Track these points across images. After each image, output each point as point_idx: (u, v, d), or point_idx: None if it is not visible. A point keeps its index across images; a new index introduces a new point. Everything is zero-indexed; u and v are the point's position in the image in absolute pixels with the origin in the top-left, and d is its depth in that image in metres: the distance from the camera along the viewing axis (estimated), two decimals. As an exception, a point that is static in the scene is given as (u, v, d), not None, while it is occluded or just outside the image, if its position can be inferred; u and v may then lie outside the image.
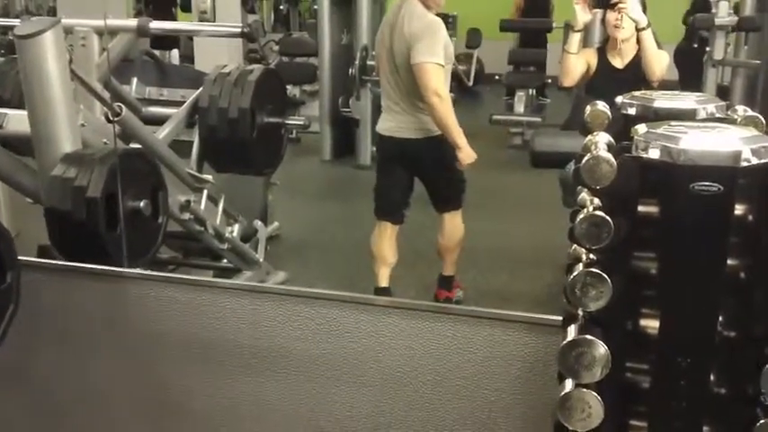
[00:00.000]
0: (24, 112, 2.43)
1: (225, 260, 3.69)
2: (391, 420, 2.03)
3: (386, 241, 3.88)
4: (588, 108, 1.62)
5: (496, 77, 7.69)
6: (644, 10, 3.64)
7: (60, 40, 2.32)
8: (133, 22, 3.17)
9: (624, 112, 1.63)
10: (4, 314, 1.81)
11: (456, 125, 3.57)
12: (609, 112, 1.61)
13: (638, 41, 3.62)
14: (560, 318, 1.60)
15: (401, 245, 3.96)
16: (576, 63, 3.74)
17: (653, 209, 1.33)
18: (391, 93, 3.74)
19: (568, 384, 1.38)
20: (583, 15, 3.61)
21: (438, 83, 3.49)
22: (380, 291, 3.87)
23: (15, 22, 2.42)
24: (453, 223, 3.85)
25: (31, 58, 2.28)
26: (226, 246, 3.46)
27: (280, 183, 4.68)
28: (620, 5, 3.57)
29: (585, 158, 1.33)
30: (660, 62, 3.62)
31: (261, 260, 3.86)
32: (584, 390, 1.34)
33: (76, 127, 2.40)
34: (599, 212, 1.31)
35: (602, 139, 1.43)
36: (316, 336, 2.04)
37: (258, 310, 2.07)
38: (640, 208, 1.34)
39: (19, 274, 1.82)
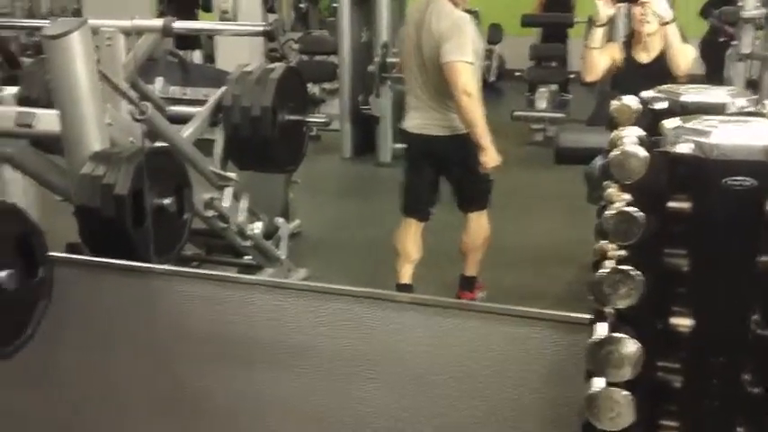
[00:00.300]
0: (53, 112, 2.45)
1: (247, 257, 3.70)
2: (413, 417, 2.03)
3: (410, 238, 3.88)
4: (615, 102, 1.61)
5: (517, 73, 7.66)
6: (671, 4, 3.61)
7: (88, 40, 2.34)
8: (158, 22, 3.18)
9: (652, 106, 1.62)
10: (36, 308, 1.83)
11: (483, 125, 3.56)
12: (636, 107, 1.60)
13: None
14: (586, 316, 1.60)
15: (423, 243, 3.97)
16: (598, 58, 3.70)
17: (684, 204, 1.32)
18: (418, 91, 3.74)
19: (597, 383, 1.37)
20: (605, 10, 3.58)
21: (467, 81, 3.49)
22: (402, 288, 3.87)
23: (43, 23, 2.44)
24: (478, 223, 3.85)
25: (60, 57, 2.30)
26: (248, 243, 3.48)
27: (300, 181, 4.69)
28: (643, 0, 3.54)
29: (615, 153, 1.31)
30: (685, 57, 3.58)
31: (283, 257, 3.87)
32: (614, 389, 1.33)
33: (104, 126, 2.42)
34: (629, 208, 1.30)
35: (631, 134, 1.42)
36: (339, 332, 2.04)
37: (281, 305, 2.08)
38: (671, 203, 1.33)
39: (51, 270, 1.84)
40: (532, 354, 1.85)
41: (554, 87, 7.50)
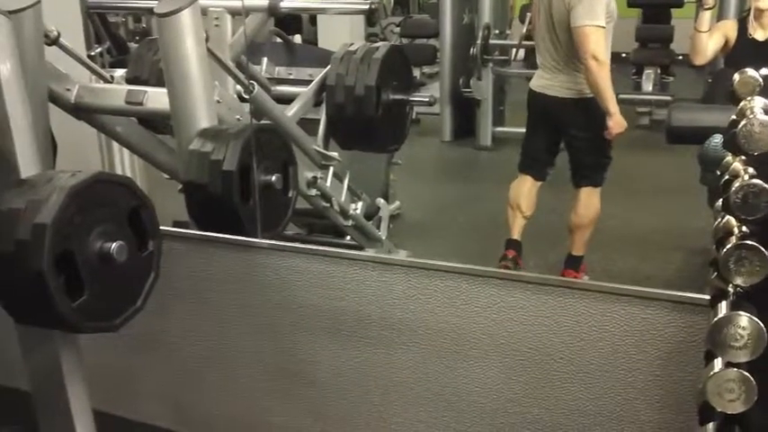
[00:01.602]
0: (163, 90, 2.50)
1: (348, 237, 3.72)
2: (520, 396, 2.00)
3: (524, 193, 3.89)
4: (737, 76, 1.54)
5: (623, 55, 7.40)
6: None
7: (198, 17, 2.38)
8: (265, 2, 3.21)
9: (777, 79, 1.54)
10: (146, 281, 1.87)
11: (610, 90, 3.49)
12: (760, 80, 1.53)
13: None
14: (705, 297, 1.53)
15: (528, 224, 3.93)
16: (707, 41, 3.58)
17: (817, 178, 1.25)
18: (545, 53, 3.71)
19: (718, 364, 1.31)
20: None
21: (597, 46, 3.42)
22: (512, 243, 3.88)
23: (152, 3, 2.49)
24: (589, 200, 3.78)
25: (170, 35, 2.34)
26: (350, 222, 3.49)
27: (402, 162, 4.68)
28: None
29: (742, 123, 1.25)
30: None
31: (383, 238, 3.88)
32: (735, 370, 1.27)
33: (213, 103, 2.46)
34: (757, 181, 1.24)
35: (758, 104, 1.35)
36: (444, 309, 2.02)
37: (387, 282, 2.08)
38: (802, 177, 1.26)
39: (160, 243, 1.88)
40: (647, 335, 1.79)
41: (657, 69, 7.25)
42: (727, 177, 1.39)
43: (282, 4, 3.20)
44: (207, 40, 2.45)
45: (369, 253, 3.24)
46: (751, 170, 1.33)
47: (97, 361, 2.22)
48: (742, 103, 1.39)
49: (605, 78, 3.46)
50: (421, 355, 2.09)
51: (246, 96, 2.74)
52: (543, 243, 4.18)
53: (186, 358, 2.45)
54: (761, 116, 1.24)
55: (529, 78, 4.00)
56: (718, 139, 2.75)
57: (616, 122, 3.51)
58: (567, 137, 3.81)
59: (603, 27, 3.44)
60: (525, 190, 3.89)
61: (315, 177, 3.13)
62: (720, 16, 5.42)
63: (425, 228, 4.87)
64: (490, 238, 3.95)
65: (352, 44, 3.16)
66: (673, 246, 4.27)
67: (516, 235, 3.90)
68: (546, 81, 3.73)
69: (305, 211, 3.40)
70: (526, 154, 3.94)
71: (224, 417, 2.47)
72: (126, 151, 3.68)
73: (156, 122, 3.08)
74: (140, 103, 2.66)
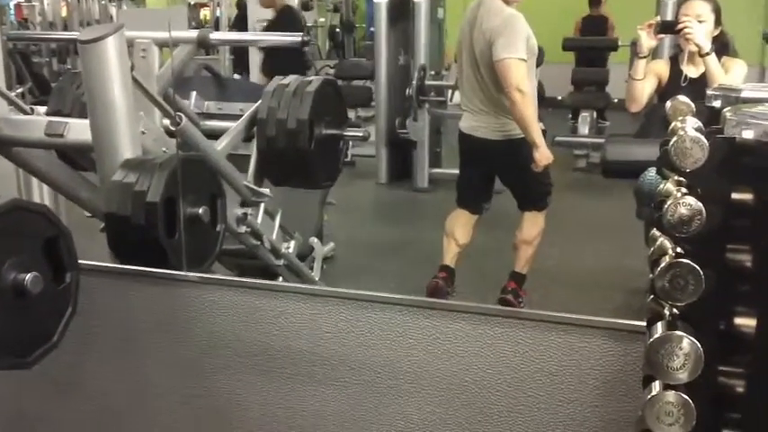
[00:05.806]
0: (85, 121, 2.42)
1: (280, 279, 3.63)
2: (458, 432, 1.93)
3: (460, 223, 3.91)
4: (668, 103, 1.55)
5: (559, 98, 7.54)
6: (717, 20, 3.51)
7: (123, 46, 2.32)
8: (193, 34, 3.15)
9: (710, 104, 1.54)
10: (63, 315, 1.77)
11: (536, 123, 3.54)
12: (691, 105, 1.53)
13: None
14: (643, 323, 1.50)
15: (465, 265, 3.94)
16: (642, 89, 3.64)
17: (748, 195, 1.23)
18: (471, 94, 3.73)
19: (656, 387, 1.28)
20: (648, 41, 3.50)
21: (520, 78, 3.45)
22: (444, 267, 3.88)
23: (74, 34, 2.44)
24: (533, 221, 3.84)
25: (94, 62, 2.27)
26: (282, 262, 3.40)
27: (336, 203, 4.63)
28: (685, 32, 3.44)
29: (673, 140, 1.24)
30: (725, 79, 3.47)
31: (316, 279, 3.80)
32: (674, 392, 1.24)
33: (137, 134, 2.38)
34: (689, 197, 1.22)
35: (689, 123, 1.35)
36: (379, 342, 1.96)
37: (318, 314, 2.01)
38: (734, 195, 1.25)
39: (78, 276, 1.78)
40: (585, 364, 1.76)
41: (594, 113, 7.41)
42: (660, 198, 1.37)
43: (212, 36, 3.15)
44: (132, 69, 2.38)
45: (299, 284, 3.14)
46: (683, 189, 1.31)
47: (9, 405, 2.08)
48: (673, 124, 1.39)
49: (530, 110, 3.50)
50: (354, 391, 2.01)
51: (173, 129, 2.66)
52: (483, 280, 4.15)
53: (107, 400, 2.31)
54: (692, 132, 1.23)
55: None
56: (652, 173, 2.78)
57: (542, 155, 3.55)
58: (500, 175, 3.86)
59: (525, 60, 3.47)
60: (462, 221, 3.92)
61: (245, 214, 3.04)
62: (655, 54, 5.55)
63: (360, 269, 4.80)
64: (426, 280, 3.91)
65: (283, 78, 3.11)
66: (611, 286, 4.30)
67: (449, 261, 3.90)
68: (473, 123, 3.76)
69: (235, 252, 3.30)
70: (462, 191, 3.97)
71: (148, 462, 2.34)
72: (45, 189, 3.54)
73: (77, 158, 2.97)
74: (61, 135, 2.56)
